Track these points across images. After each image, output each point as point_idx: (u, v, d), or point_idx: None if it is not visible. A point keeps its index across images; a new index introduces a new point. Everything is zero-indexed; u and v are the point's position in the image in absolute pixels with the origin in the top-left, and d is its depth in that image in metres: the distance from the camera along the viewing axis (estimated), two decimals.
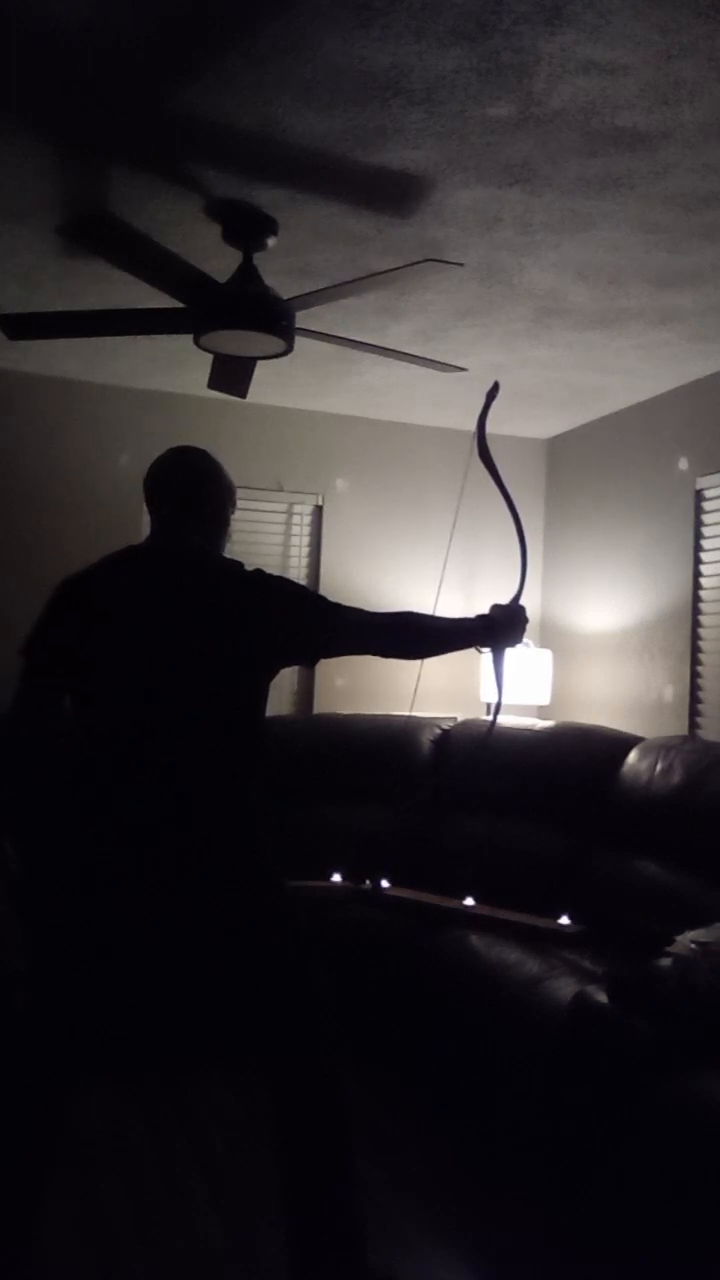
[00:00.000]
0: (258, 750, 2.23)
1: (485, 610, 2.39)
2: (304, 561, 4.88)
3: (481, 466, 2.47)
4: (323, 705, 4.78)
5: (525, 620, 2.40)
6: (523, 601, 2.41)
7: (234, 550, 5.10)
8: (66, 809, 2.16)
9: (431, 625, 2.38)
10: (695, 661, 4.11)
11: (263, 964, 2.17)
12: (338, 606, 2.27)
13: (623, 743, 3.82)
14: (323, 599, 2.30)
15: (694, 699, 4.10)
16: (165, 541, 2.30)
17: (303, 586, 2.35)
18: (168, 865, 2.10)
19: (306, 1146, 2.12)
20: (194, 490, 2.31)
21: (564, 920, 3.36)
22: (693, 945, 2.56)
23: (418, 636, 2.35)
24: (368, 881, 3.76)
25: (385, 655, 2.41)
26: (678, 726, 4.11)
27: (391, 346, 3.47)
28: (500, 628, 2.37)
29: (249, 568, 2.27)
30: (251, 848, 2.17)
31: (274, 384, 4.26)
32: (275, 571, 2.29)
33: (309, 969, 2.17)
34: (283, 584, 2.27)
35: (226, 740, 2.17)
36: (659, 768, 3.51)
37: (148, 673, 2.13)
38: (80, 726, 2.18)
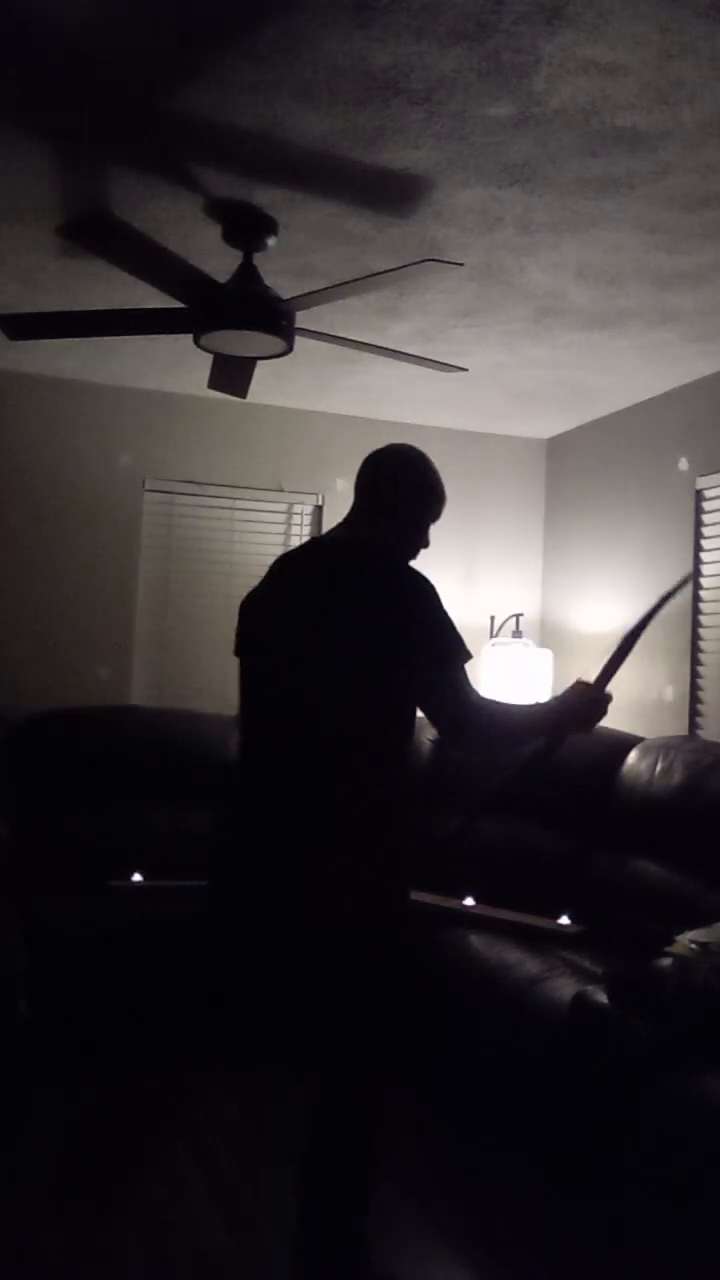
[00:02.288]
0: (370, 754, 2.11)
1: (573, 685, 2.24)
2: None
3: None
4: None
5: (604, 710, 2.20)
6: (610, 687, 2.22)
7: (234, 550, 5.08)
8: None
9: (508, 724, 2.17)
10: (695, 661, 4.11)
11: (330, 964, 2.12)
12: (454, 655, 2.07)
13: (623, 743, 3.82)
14: (447, 640, 2.08)
15: (694, 699, 4.10)
16: (339, 532, 2.30)
17: (432, 607, 2.10)
18: (265, 858, 2.14)
19: (333, 1148, 2.13)
20: (382, 486, 2.28)
21: (564, 920, 3.37)
22: (693, 945, 2.56)
23: (491, 733, 2.15)
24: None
25: (447, 742, 2.21)
26: (678, 726, 4.11)
27: (391, 346, 3.47)
28: (575, 715, 2.18)
29: (400, 567, 2.14)
30: (338, 848, 2.08)
31: (274, 384, 4.26)
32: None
33: (377, 981, 2.11)
34: (406, 589, 2.10)
35: (323, 740, 2.10)
36: (659, 768, 3.51)
37: (268, 665, 2.20)
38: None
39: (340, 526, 2.31)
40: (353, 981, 2.10)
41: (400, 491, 2.28)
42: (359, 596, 2.10)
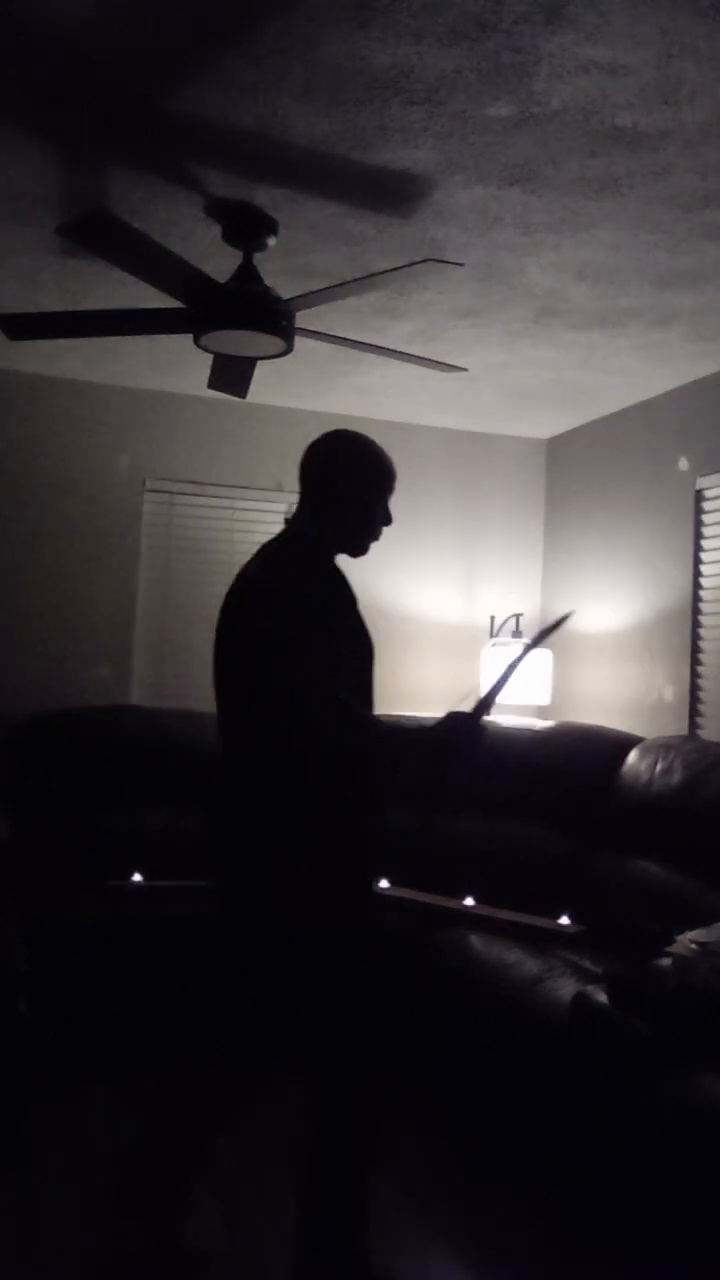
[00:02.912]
0: (284, 772, 2.09)
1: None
2: None
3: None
4: None
5: (480, 737, 2.11)
6: (490, 714, 2.16)
7: (234, 550, 5.07)
8: None
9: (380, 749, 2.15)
10: (695, 661, 4.10)
11: (304, 965, 2.16)
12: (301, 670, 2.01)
13: (623, 743, 3.82)
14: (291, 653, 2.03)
15: (694, 699, 4.10)
16: (284, 527, 2.29)
17: (278, 619, 2.06)
18: (240, 863, 2.18)
19: (332, 1149, 2.13)
20: (317, 473, 2.26)
21: (564, 920, 3.37)
22: (693, 945, 2.56)
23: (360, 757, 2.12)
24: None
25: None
26: (678, 726, 4.11)
27: (391, 346, 3.47)
28: (449, 740, 2.11)
29: (270, 564, 2.17)
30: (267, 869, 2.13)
31: (274, 384, 4.26)
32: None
33: (350, 981, 2.13)
34: (261, 601, 2.12)
35: (248, 756, 2.16)
36: (659, 768, 3.51)
37: (225, 676, 2.20)
38: None
39: (287, 522, 2.30)
40: (329, 982, 2.13)
41: (343, 477, 2.24)
42: (280, 602, 2.09)
